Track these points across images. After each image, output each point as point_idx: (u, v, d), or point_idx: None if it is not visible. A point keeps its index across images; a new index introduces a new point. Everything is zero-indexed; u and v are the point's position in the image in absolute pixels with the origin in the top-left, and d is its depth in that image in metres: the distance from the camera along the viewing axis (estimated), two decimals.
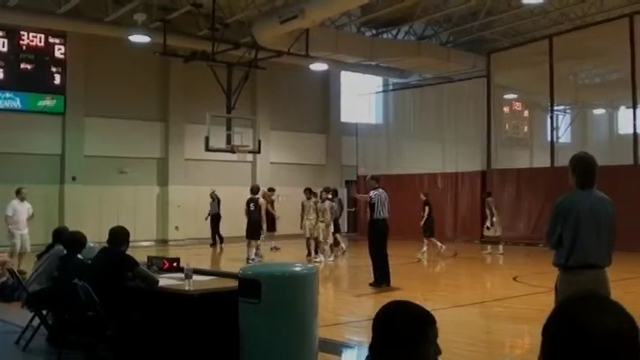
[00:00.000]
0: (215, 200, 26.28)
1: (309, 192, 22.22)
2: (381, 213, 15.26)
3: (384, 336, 2.48)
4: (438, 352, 2.51)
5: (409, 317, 2.52)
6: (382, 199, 15.32)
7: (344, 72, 33.21)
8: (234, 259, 20.81)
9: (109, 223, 8.48)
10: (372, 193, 15.52)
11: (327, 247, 21.62)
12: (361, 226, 30.62)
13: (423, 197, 23.07)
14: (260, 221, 21.01)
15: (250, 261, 19.65)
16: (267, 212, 22.44)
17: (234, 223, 21.92)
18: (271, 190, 24.55)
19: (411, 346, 2.44)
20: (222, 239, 26.06)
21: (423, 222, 22.61)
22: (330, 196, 21.90)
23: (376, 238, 15.36)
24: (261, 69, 25.70)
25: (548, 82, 26.81)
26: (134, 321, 7.52)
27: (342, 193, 30.81)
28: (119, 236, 8.13)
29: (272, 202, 23.67)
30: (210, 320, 7.11)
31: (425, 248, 22.37)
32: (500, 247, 23.36)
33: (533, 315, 11.00)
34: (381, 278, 14.98)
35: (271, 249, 23.57)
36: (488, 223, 23.32)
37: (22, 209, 17.74)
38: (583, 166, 6.23)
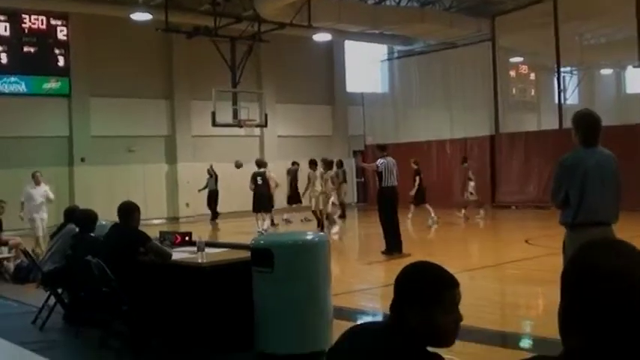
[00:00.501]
0: (212, 176, 26.26)
1: (313, 164, 22.25)
2: (389, 181, 15.21)
3: (399, 295, 2.46)
4: (459, 318, 2.45)
5: (426, 278, 2.47)
6: (390, 166, 15.28)
7: (348, 41, 33.07)
8: (247, 232, 20.84)
9: (119, 202, 8.50)
10: (378, 161, 15.50)
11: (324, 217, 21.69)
12: (370, 196, 30.67)
13: (413, 166, 22.72)
14: (268, 194, 21.04)
15: (263, 232, 19.71)
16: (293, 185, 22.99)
17: (246, 197, 21.90)
18: (295, 164, 25.05)
19: (423, 308, 2.39)
20: (217, 215, 26.14)
21: (414, 191, 22.31)
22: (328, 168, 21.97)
23: (385, 206, 15.31)
24: (265, 42, 25.60)
25: (554, 43, 26.62)
26: (149, 295, 7.57)
27: (350, 164, 30.80)
28: (129, 210, 8.13)
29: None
30: (224, 291, 7.16)
31: (433, 214, 22.24)
32: (482, 211, 23.35)
33: (545, 276, 11.01)
34: (393, 246, 14.99)
35: (301, 220, 23.64)
36: (470, 189, 23.09)
37: (36, 193, 17.39)
38: (586, 123, 6.18)
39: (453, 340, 2.46)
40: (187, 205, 27.89)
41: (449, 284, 2.47)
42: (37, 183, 17.56)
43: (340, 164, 22.69)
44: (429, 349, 2.39)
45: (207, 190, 26.46)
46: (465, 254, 16.37)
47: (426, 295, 2.41)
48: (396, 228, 15.24)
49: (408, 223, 21.56)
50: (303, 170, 24.01)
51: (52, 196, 17.72)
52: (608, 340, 1.53)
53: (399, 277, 2.50)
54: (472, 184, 23.21)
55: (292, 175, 24.88)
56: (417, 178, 22.42)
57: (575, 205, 6.00)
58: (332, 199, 21.92)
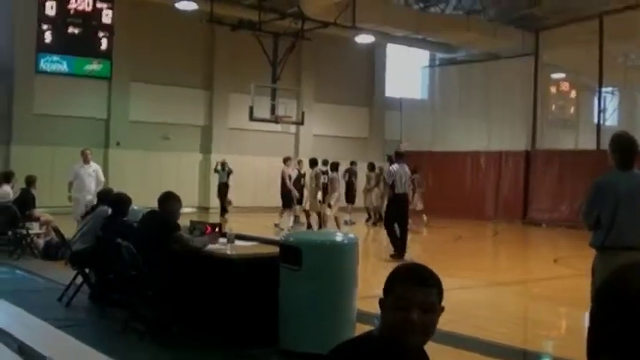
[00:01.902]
0: (225, 171, 25.69)
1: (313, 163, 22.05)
2: (401, 188, 15.44)
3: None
4: (412, 319, 2.35)
5: (392, 271, 2.50)
6: (401, 174, 15.48)
7: (390, 45, 32.98)
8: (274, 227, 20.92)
9: (152, 188, 8.52)
10: (392, 167, 15.78)
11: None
12: None
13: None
14: (287, 191, 21.18)
15: (280, 228, 20.15)
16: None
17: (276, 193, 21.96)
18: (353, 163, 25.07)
19: (384, 298, 2.44)
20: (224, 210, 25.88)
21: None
22: (323, 169, 21.65)
23: (401, 212, 15.62)
24: (307, 40, 25.63)
25: (597, 62, 26.36)
26: (176, 283, 7.63)
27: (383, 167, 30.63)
28: (166, 198, 8.18)
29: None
30: (251, 285, 7.19)
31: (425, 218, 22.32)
32: (425, 217, 23.28)
33: (572, 297, 10.93)
34: (403, 250, 15.13)
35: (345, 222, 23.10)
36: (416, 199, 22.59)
37: (86, 173, 16.34)
38: (622, 146, 6.13)
39: (405, 341, 2.38)
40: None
41: (402, 278, 2.44)
42: (87, 161, 16.59)
43: (334, 167, 22.01)
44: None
45: (217, 183, 26.11)
46: (492, 269, 16.27)
47: (385, 286, 2.46)
48: (394, 233, 15.46)
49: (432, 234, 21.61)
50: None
51: (102, 177, 16.77)
52: None
53: None
54: (416, 194, 23.03)
55: (351, 174, 24.72)
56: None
57: (606, 228, 5.95)
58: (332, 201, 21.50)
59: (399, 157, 16.10)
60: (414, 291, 2.39)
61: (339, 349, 2.43)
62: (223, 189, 25.56)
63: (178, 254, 7.77)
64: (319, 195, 20.88)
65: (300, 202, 22.03)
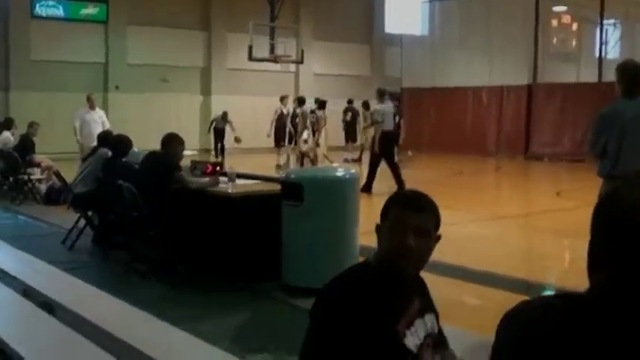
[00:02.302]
0: (224, 120, 25.03)
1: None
2: (388, 125, 15.69)
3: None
4: (407, 244, 2.34)
5: (389, 197, 2.52)
6: (388, 112, 15.76)
7: None
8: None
9: (152, 131, 8.46)
10: (379, 106, 15.96)
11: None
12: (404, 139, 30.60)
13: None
14: (278, 127, 21.25)
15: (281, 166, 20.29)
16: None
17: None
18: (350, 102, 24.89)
19: (381, 222, 2.46)
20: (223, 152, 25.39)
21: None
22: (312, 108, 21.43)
23: (388, 149, 15.77)
24: None
25: None
26: (178, 222, 7.64)
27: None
28: (168, 139, 8.16)
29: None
30: (253, 222, 7.21)
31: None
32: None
33: (575, 228, 10.89)
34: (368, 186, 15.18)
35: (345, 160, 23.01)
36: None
37: (92, 119, 16.18)
38: (628, 74, 6.08)
39: (401, 265, 2.38)
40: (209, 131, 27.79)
41: (399, 204, 2.46)
42: (92, 107, 16.50)
43: (321, 105, 21.65)
44: None
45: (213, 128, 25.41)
46: (495, 203, 16.26)
47: (382, 211, 2.48)
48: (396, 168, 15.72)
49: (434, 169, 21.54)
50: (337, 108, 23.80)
51: (108, 124, 16.27)
52: (634, 274, 1.50)
53: None
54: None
55: (352, 112, 24.58)
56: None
57: (614, 156, 5.92)
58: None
59: (381, 95, 16.23)
60: (410, 216, 2.39)
61: (337, 279, 2.41)
62: (220, 133, 25.13)
63: (180, 194, 7.77)
64: (305, 134, 20.74)
65: (291, 141, 21.84)
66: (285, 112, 21.37)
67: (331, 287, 2.39)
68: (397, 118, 22.92)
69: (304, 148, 20.79)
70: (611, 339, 1.44)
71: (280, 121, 21.33)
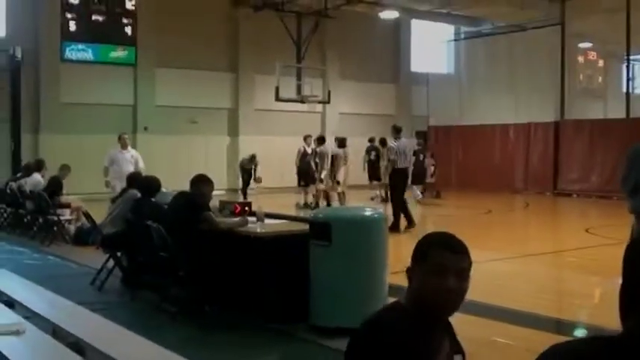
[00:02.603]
0: (252, 162, 24.95)
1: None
2: (403, 163, 15.85)
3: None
4: (453, 287, 2.36)
5: (423, 238, 2.50)
6: (402, 149, 15.88)
7: (414, 20, 32.74)
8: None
9: (181, 172, 8.53)
10: (393, 143, 16.07)
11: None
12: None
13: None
14: (306, 169, 21.03)
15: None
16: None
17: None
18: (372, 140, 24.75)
19: (415, 265, 2.43)
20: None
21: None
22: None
23: (399, 185, 15.97)
24: (331, 18, 25.57)
25: (624, 30, 25.98)
26: (207, 263, 7.65)
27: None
28: (196, 180, 8.18)
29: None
30: (281, 262, 7.21)
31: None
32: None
33: (605, 266, 10.83)
34: (398, 223, 15.29)
35: (371, 199, 23.00)
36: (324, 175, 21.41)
37: (124, 158, 15.83)
38: None
39: (442, 308, 2.39)
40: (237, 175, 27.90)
41: (438, 244, 2.44)
42: (124, 146, 16.20)
43: (383, 143, 21.61)
44: None
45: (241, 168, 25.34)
46: (524, 240, 16.15)
47: (417, 253, 2.45)
48: (404, 206, 15.76)
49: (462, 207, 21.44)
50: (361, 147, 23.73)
51: (142, 164, 15.90)
52: None
53: None
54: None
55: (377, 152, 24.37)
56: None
57: None
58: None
59: (397, 132, 16.35)
60: (450, 257, 2.39)
61: (372, 322, 2.39)
62: (246, 174, 25.08)
63: (209, 234, 7.79)
64: (323, 173, 20.67)
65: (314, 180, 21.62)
66: (308, 151, 21.38)
67: (367, 329, 2.36)
68: (421, 157, 23.07)
69: (322, 187, 20.72)
70: None
71: (303, 160, 21.32)
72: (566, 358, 1.51)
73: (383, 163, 20.54)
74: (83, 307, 7.36)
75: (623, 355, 1.48)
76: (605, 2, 26.73)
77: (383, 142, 22.46)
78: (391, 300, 2.61)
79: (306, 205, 20.94)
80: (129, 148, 16.29)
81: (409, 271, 2.45)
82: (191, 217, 7.76)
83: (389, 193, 16.98)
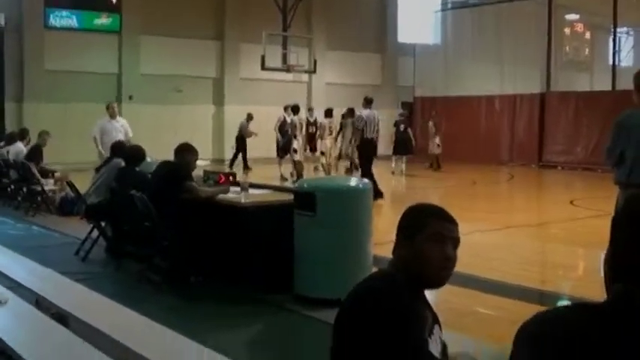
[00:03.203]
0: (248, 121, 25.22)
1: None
2: (370, 133, 15.97)
3: (397, 229, 2.52)
4: (449, 254, 2.43)
5: (416, 209, 2.55)
6: (371, 120, 16.01)
7: None
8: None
9: (166, 141, 8.47)
10: (363, 112, 16.23)
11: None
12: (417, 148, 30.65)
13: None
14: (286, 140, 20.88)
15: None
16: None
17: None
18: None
19: (409, 236, 2.45)
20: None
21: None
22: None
23: (368, 156, 16.11)
24: None
25: (611, 2, 25.93)
26: (191, 232, 7.63)
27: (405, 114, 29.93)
28: (180, 150, 8.16)
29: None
30: (265, 232, 7.19)
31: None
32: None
33: (589, 238, 10.90)
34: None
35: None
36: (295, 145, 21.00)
37: (113, 127, 15.13)
38: None
39: (440, 276, 2.45)
40: (233, 147, 27.93)
41: (436, 214, 2.50)
42: (113, 116, 15.46)
43: (294, 110, 21.32)
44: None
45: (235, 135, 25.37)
46: (508, 212, 16.20)
47: (412, 222, 2.48)
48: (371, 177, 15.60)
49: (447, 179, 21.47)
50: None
51: (131, 132, 15.53)
52: None
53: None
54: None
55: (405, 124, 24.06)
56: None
57: (630, 164, 5.89)
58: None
59: (367, 103, 16.44)
60: (449, 227, 2.47)
61: (368, 288, 2.39)
62: (242, 143, 25.05)
63: (193, 204, 7.76)
64: (295, 144, 20.40)
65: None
66: (288, 120, 21.18)
67: (369, 296, 2.35)
68: (402, 127, 23.10)
69: (296, 157, 20.42)
70: (630, 351, 1.42)
71: (282, 130, 21.13)
72: (551, 325, 1.50)
73: (347, 134, 20.25)
74: (67, 277, 7.35)
75: (609, 321, 1.47)
76: None
77: (351, 112, 21.92)
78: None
79: (282, 178, 20.70)
80: (118, 117, 15.59)
81: (403, 238, 2.47)
82: (173, 187, 7.72)
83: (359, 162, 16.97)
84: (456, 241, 2.46)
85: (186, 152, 8.14)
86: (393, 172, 22.65)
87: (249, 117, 24.38)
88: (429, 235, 2.41)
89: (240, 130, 24.73)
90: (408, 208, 2.56)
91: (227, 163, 25.70)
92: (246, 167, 24.34)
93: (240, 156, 24.47)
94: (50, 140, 15.26)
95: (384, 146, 24.76)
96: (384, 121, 20.04)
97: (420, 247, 2.41)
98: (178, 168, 7.96)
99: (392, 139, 23.52)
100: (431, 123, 24.69)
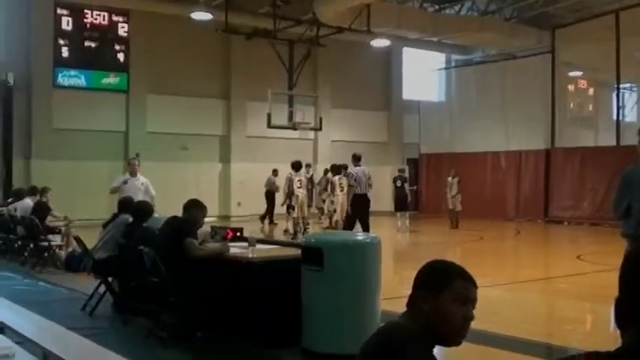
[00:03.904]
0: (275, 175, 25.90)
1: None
2: (360, 189, 16.43)
3: (414, 283, 2.55)
4: (470, 315, 2.49)
5: (439, 266, 2.58)
6: (360, 176, 16.50)
7: (406, 48, 32.95)
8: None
9: (172, 198, 8.50)
10: (353, 169, 16.78)
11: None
12: (423, 204, 30.70)
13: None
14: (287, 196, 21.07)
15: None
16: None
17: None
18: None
19: (433, 294, 2.46)
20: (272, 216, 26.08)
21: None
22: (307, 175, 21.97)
23: (362, 211, 16.45)
24: (323, 46, 25.67)
25: (614, 58, 26.16)
26: (199, 288, 7.62)
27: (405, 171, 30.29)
28: (188, 205, 8.19)
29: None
30: (273, 287, 7.19)
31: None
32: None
33: (597, 292, 10.86)
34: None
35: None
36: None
37: (133, 185, 13.69)
38: None
39: (460, 335, 2.49)
40: (239, 204, 28.03)
41: (462, 275, 2.53)
42: (134, 173, 14.10)
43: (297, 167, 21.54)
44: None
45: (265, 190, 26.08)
46: (515, 267, 16.18)
47: (437, 280, 2.51)
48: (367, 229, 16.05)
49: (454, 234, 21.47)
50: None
51: (153, 191, 14.06)
52: None
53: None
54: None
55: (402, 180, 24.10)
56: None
57: (637, 217, 5.91)
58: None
59: (356, 160, 17.00)
60: (471, 289, 2.53)
61: (387, 338, 2.40)
62: (271, 198, 25.64)
63: (199, 259, 7.77)
64: (293, 200, 20.76)
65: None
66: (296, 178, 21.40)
67: (387, 343, 2.37)
68: (398, 183, 23.25)
69: (294, 214, 20.90)
70: None
71: (291, 187, 21.30)
72: None
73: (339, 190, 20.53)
74: (74, 333, 7.33)
75: None
76: (595, 31, 26.90)
77: (344, 168, 21.74)
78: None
79: (285, 232, 21.23)
80: (138, 174, 14.12)
81: (419, 296, 2.49)
82: (178, 243, 7.73)
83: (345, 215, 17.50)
84: (475, 303, 2.52)
85: (194, 208, 8.16)
86: (398, 230, 22.65)
87: (275, 172, 24.98)
88: (453, 296, 2.46)
89: (267, 185, 25.07)
90: (430, 264, 2.59)
91: (234, 219, 25.84)
92: (271, 222, 24.68)
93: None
94: (57, 197, 15.34)
95: (386, 202, 25.00)
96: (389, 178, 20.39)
97: (443, 306, 2.45)
98: (180, 225, 7.97)
99: (393, 196, 23.68)
100: (453, 179, 24.26)
